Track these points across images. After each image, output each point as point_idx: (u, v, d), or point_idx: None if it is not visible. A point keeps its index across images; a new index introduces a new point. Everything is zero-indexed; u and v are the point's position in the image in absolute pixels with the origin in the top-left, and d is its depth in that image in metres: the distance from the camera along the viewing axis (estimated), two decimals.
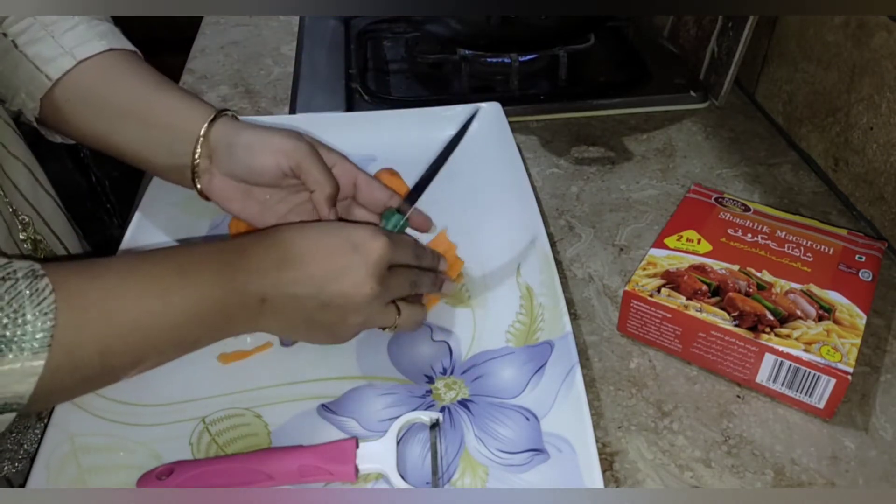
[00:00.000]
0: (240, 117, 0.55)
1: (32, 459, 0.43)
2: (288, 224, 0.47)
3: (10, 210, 0.53)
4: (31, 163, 0.59)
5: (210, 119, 0.51)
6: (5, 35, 0.52)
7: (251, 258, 0.44)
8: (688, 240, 0.55)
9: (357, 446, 0.43)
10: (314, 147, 0.52)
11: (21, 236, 0.54)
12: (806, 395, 0.47)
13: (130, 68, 0.54)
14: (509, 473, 0.43)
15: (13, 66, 0.52)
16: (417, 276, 0.49)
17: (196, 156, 0.52)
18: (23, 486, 0.42)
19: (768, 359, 0.47)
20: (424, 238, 0.55)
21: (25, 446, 0.50)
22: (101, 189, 0.98)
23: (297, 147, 0.51)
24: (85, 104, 0.52)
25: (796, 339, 0.47)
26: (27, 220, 0.55)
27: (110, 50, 0.53)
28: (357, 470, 0.42)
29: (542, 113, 0.79)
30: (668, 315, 0.50)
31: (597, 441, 0.42)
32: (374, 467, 0.42)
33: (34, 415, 0.51)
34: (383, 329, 0.49)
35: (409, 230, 0.54)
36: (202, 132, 0.51)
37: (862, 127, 0.63)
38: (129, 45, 0.55)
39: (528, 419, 0.46)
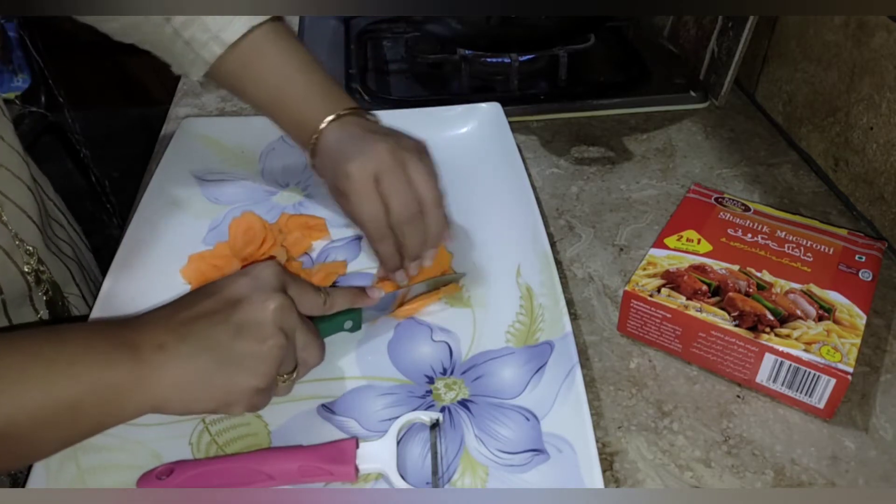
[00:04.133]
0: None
1: None
2: None
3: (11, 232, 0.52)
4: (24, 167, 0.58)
5: (328, 121, 0.53)
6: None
7: (137, 318, 0.42)
8: (688, 240, 0.55)
9: (357, 446, 0.43)
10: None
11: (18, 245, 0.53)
12: (806, 395, 0.47)
13: (271, 53, 0.55)
14: (509, 473, 0.43)
15: (171, 42, 0.55)
16: (325, 292, 0.47)
17: (311, 147, 0.54)
18: (23, 486, 0.42)
19: (768, 359, 0.47)
20: None
21: None
22: (101, 189, 0.98)
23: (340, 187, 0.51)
24: (234, 89, 0.58)
25: (796, 339, 0.47)
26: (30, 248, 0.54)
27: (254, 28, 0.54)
28: (357, 470, 0.42)
29: (542, 113, 0.79)
30: (668, 315, 0.50)
31: (597, 441, 0.42)
32: (374, 467, 0.42)
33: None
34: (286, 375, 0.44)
35: None
36: (315, 137, 0.53)
37: (862, 127, 0.63)
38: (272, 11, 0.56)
39: (528, 419, 0.46)
